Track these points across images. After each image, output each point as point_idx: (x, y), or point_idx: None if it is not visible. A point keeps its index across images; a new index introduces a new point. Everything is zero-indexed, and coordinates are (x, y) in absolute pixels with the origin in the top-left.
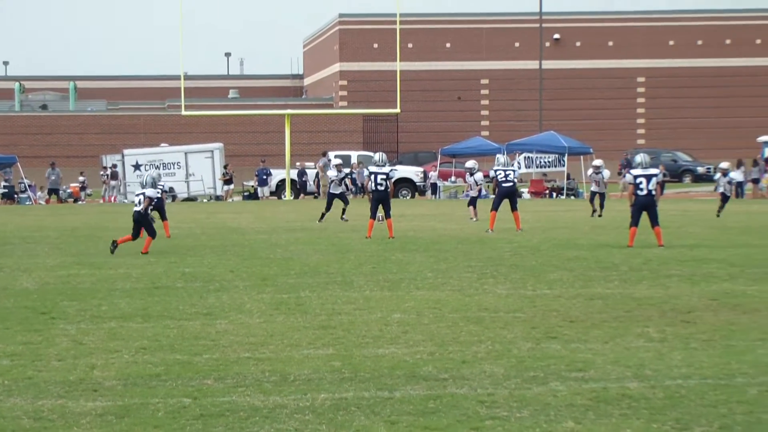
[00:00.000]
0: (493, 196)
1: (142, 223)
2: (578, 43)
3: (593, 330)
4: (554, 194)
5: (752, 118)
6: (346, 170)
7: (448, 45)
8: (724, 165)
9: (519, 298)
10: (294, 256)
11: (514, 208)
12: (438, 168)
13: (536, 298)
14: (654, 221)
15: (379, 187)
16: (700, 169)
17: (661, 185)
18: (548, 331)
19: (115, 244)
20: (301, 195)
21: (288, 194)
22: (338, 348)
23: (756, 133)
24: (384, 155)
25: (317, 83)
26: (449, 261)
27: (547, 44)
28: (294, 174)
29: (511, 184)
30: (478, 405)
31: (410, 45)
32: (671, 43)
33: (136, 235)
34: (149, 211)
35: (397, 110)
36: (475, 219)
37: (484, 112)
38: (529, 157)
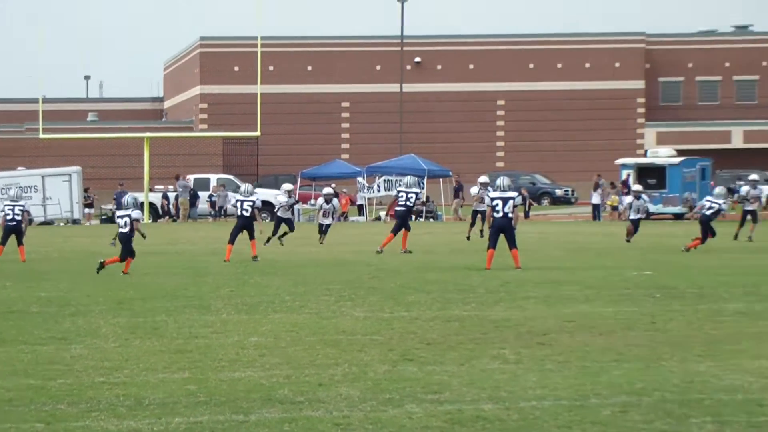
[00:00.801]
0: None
1: (128, 244)
2: (439, 66)
3: (449, 352)
4: (413, 217)
5: (611, 141)
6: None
7: (309, 68)
8: (637, 187)
9: (376, 321)
10: (151, 279)
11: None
12: (297, 191)
13: (393, 320)
14: (511, 244)
15: (244, 213)
16: (559, 192)
17: (527, 207)
18: (405, 353)
19: (101, 265)
20: (166, 218)
21: (146, 217)
22: (194, 372)
23: (614, 155)
24: (250, 186)
25: (178, 106)
26: (307, 284)
27: (408, 67)
28: (157, 197)
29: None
30: (334, 428)
31: (271, 68)
32: (531, 66)
33: (124, 255)
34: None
35: (257, 133)
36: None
37: (345, 135)
38: (388, 180)
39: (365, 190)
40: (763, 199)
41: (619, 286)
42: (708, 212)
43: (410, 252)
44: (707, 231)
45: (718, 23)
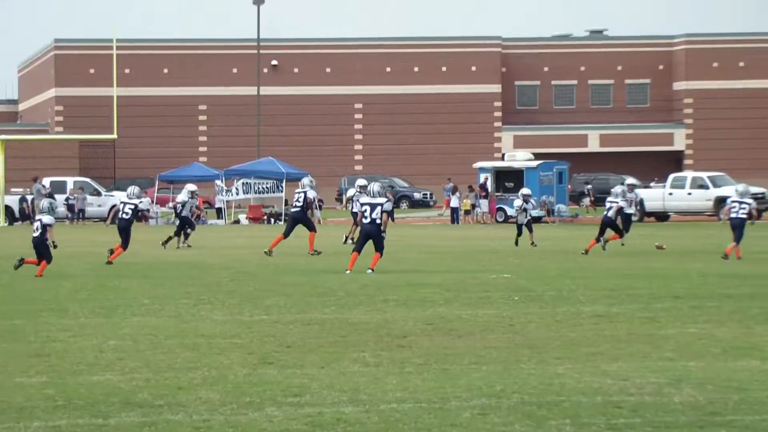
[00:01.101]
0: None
1: (40, 248)
2: (296, 70)
3: (309, 355)
4: (273, 220)
5: (468, 144)
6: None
7: (165, 71)
8: (526, 191)
9: (236, 324)
10: (8, 282)
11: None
12: (156, 194)
13: (253, 323)
14: (377, 248)
15: (124, 216)
16: (417, 195)
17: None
18: (265, 356)
19: (20, 262)
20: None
21: (2, 221)
22: (52, 375)
23: (472, 159)
24: (137, 189)
25: (33, 108)
26: (166, 287)
27: (265, 70)
28: (14, 200)
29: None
30: (194, 431)
31: (127, 70)
32: (388, 69)
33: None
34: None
35: (114, 136)
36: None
37: (203, 138)
38: (247, 183)
39: (223, 193)
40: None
41: (478, 289)
42: (609, 213)
43: (319, 253)
44: (617, 230)
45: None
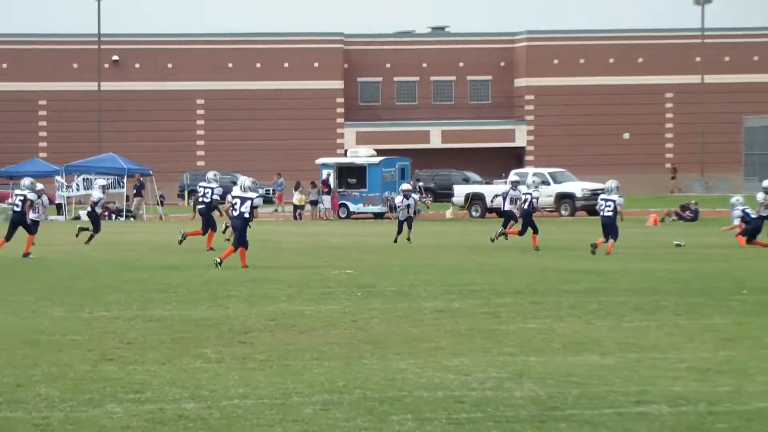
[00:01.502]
0: None
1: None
2: (137, 65)
3: (151, 352)
4: (114, 216)
5: (311, 140)
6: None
7: (5, 65)
8: (406, 187)
9: (76, 321)
10: None
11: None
12: None
13: (93, 320)
14: (241, 242)
15: (15, 208)
16: (260, 191)
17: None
18: (105, 353)
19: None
20: None
21: None
22: None
23: (315, 155)
24: (31, 180)
25: None
26: (5, 283)
27: (106, 66)
28: None
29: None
30: (33, 428)
31: None
32: (230, 65)
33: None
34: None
35: None
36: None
37: (43, 134)
38: (87, 178)
39: (64, 189)
40: (535, 202)
41: (320, 285)
42: (525, 205)
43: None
44: (527, 224)
45: (415, 24)
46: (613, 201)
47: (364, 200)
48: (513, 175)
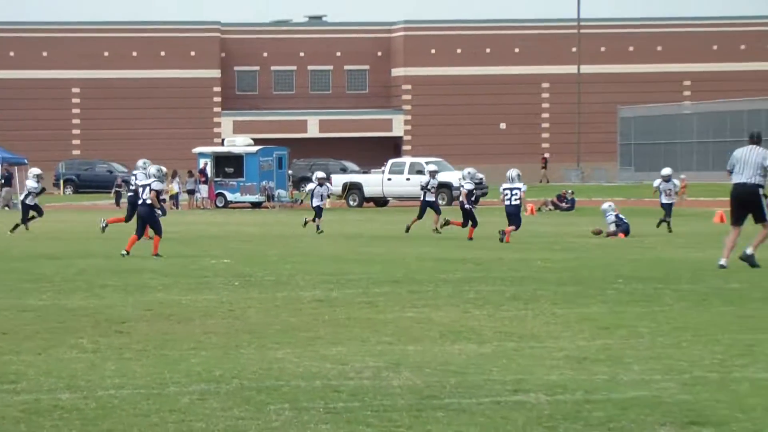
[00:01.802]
0: None
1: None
2: (12, 53)
3: (26, 342)
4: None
5: (188, 129)
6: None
7: None
8: (321, 174)
9: None
10: None
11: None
12: None
13: None
14: (156, 231)
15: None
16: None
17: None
18: None
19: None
20: None
21: None
22: None
23: (192, 144)
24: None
25: None
26: None
27: None
28: None
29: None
30: None
31: None
32: (106, 54)
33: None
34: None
35: None
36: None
37: None
38: None
39: None
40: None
41: (197, 274)
42: (464, 198)
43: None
44: (468, 217)
45: (292, 13)
46: (519, 189)
47: (242, 189)
48: (430, 165)
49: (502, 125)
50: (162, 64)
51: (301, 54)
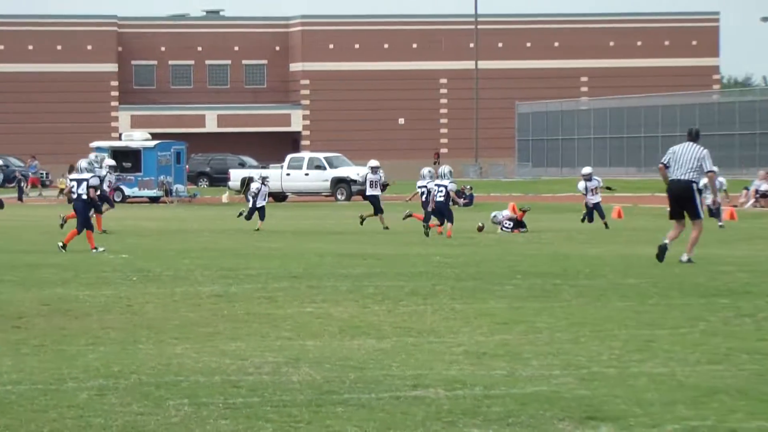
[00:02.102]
0: None
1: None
2: None
3: None
4: None
5: (85, 123)
6: None
7: None
8: (265, 174)
9: None
10: None
11: None
12: None
13: None
14: (85, 224)
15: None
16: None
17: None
18: None
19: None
20: None
21: None
22: None
23: (89, 138)
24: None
25: None
26: None
27: None
28: None
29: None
30: None
31: None
32: (2, 47)
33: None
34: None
35: None
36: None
37: None
38: None
39: None
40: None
41: (96, 269)
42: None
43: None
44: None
45: (189, 8)
46: (445, 186)
47: (140, 184)
48: (372, 161)
49: (401, 120)
50: (58, 58)
51: (199, 48)
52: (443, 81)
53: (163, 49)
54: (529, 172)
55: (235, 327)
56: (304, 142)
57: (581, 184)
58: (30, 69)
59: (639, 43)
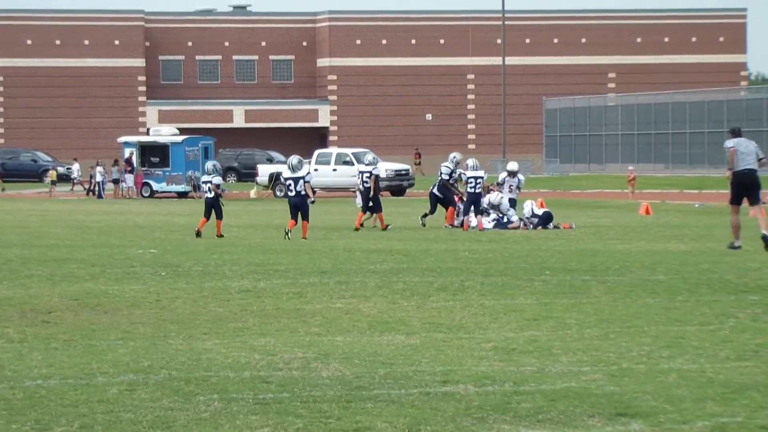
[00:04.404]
0: None
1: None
2: None
3: None
4: None
5: (113, 118)
6: None
7: None
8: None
9: None
10: None
11: None
12: None
13: None
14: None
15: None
16: (61, 170)
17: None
18: None
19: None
20: None
21: None
22: None
23: (117, 133)
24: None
25: None
26: None
27: None
28: None
29: None
30: None
31: None
32: (29, 42)
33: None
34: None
35: None
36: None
37: None
38: None
39: None
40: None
41: (124, 264)
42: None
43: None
44: (435, 205)
45: (216, 3)
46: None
47: (168, 179)
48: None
49: (428, 116)
50: (86, 53)
51: (226, 44)
52: (470, 77)
53: (190, 44)
54: (556, 169)
55: (265, 322)
56: (332, 138)
57: (502, 175)
58: (57, 64)
59: (666, 40)
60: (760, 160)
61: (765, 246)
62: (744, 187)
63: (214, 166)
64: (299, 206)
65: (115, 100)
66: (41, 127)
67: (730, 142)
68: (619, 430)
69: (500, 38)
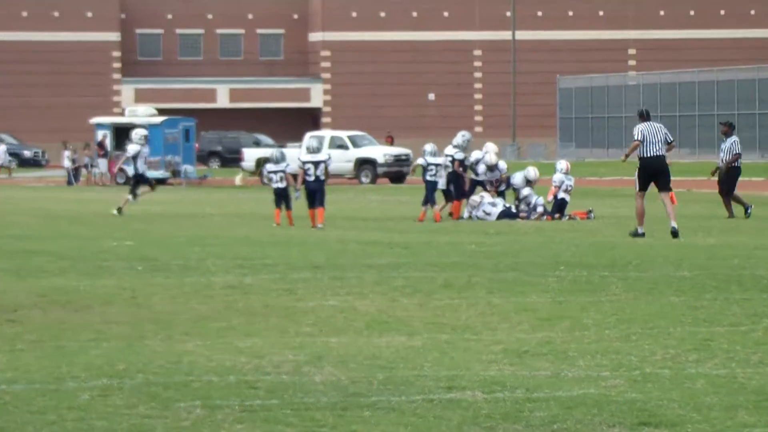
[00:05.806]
0: None
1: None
2: None
3: None
4: None
5: (84, 98)
6: None
7: None
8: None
9: None
10: None
11: None
12: None
13: None
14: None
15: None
16: (28, 153)
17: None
18: None
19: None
20: None
21: None
22: None
23: (89, 114)
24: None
25: None
26: None
27: None
28: None
29: None
30: None
31: None
32: None
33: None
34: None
35: None
36: None
37: None
38: None
39: None
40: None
41: (97, 258)
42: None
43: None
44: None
45: None
46: (438, 164)
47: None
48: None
49: (431, 96)
50: (56, 26)
51: (209, 16)
52: (477, 53)
53: (170, 16)
54: (572, 153)
55: (251, 322)
56: (325, 119)
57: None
58: (24, 38)
59: (692, 13)
60: (669, 143)
61: (673, 236)
62: (650, 173)
63: (282, 153)
64: (316, 192)
65: (87, 77)
66: (7, 107)
67: (638, 129)
68: None
69: (510, 11)
